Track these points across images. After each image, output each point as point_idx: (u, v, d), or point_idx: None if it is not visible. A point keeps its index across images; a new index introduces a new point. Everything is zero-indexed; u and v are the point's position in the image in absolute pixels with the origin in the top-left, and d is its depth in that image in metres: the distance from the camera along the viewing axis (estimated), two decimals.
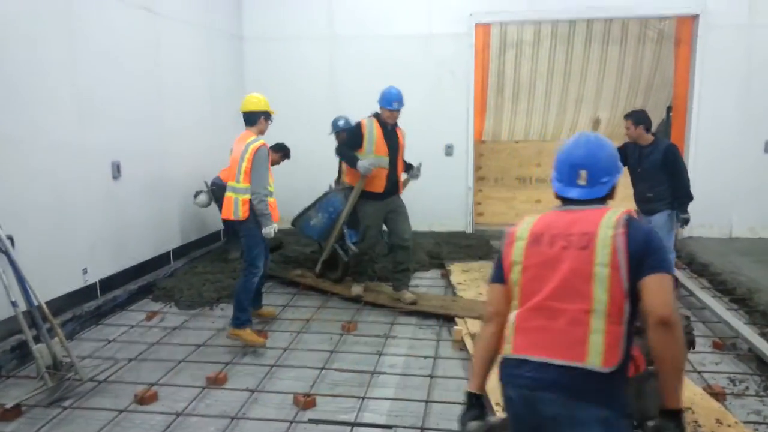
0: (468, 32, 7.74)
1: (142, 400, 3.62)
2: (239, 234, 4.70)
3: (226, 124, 7.47)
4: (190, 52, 6.89)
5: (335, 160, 6.54)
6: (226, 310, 5.36)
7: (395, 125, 5.23)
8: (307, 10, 8.05)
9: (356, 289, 5.54)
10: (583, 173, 2.01)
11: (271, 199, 4.52)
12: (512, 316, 1.97)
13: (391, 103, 5.04)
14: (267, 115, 4.60)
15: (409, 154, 7.98)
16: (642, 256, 1.81)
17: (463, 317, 4.81)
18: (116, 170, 5.47)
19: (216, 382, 3.87)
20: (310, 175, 7.23)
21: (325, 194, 5.79)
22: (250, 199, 4.41)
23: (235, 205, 4.48)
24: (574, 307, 1.83)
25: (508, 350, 1.94)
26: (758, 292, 5.31)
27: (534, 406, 1.84)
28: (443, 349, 4.43)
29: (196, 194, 6.49)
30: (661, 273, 1.79)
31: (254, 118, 4.54)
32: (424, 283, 6.14)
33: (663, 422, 1.79)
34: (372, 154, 5.07)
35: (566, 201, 2.05)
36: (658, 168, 5.03)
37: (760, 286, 5.47)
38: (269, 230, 4.44)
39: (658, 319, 1.74)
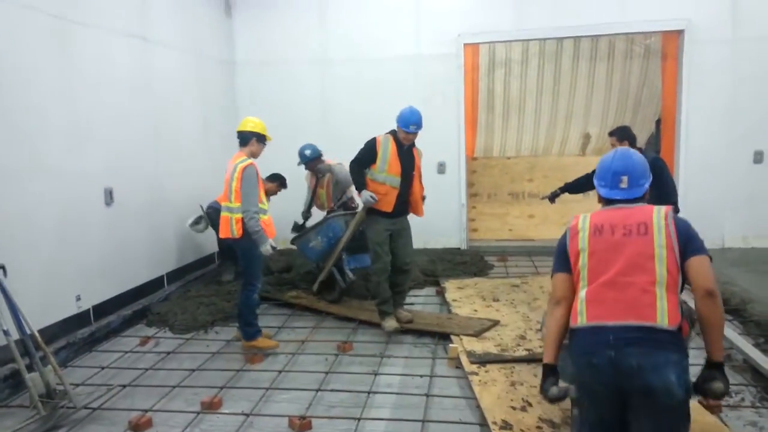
0: (457, 52, 7.83)
1: (136, 426, 3.59)
2: (236, 252, 4.77)
3: (220, 148, 7.54)
4: (183, 79, 6.95)
5: None
6: (221, 334, 5.35)
7: (412, 145, 5.08)
8: (298, 35, 8.14)
9: (391, 324, 5.11)
10: (625, 179, 2.52)
11: (264, 217, 4.63)
12: (582, 293, 2.41)
13: (408, 126, 4.89)
14: (260, 137, 4.72)
15: None
16: (686, 241, 2.34)
17: (458, 335, 4.80)
18: (109, 196, 5.48)
19: (211, 406, 3.84)
20: (303, 197, 7.27)
21: (325, 219, 5.81)
22: (242, 218, 4.50)
23: (231, 224, 4.62)
24: (642, 280, 2.31)
25: (581, 321, 2.37)
26: (752, 303, 5.31)
27: (620, 362, 2.22)
28: (439, 367, 4.41)
29: (194, 221, 6.51)
30: (703, 255, 2.33)
31: (246, 139, 4.70)
32: (419, 301, 6.13)
33: (711, 372, 2.34)
34: (384, 173, 4.94)
35: (610, 201, 2.56)
36: None
37: (754, 297, 5.48)
38: (266, 248, 4.53)
39: (705, 291, 2.26)
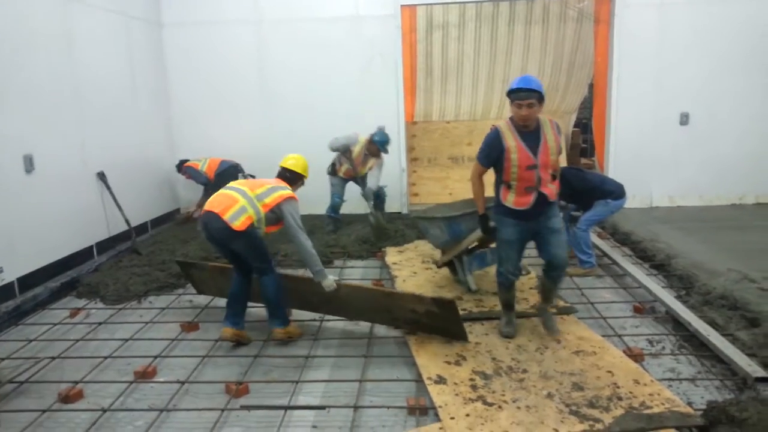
0: (394, 14, 7.74)
1: (66, 398, 3.49)
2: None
3: (148, 112, 7.26)
4: (107, 39, 6.61)
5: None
6: (155, 303, 5.22)
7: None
8: None
9: None
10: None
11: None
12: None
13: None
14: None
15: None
16: None
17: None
18: (29, 163, 5.20)
19: (144, 375, 3.77)
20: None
21: (454, 216, 5.04)
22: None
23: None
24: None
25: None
26: (676, 258, 5.58)
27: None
28: (378, 328, 4.45)
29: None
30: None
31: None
32: (360, 265, 6.16)
33: None
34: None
35: None
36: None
37: (678, 252, 5.75)
38: None
39: None
